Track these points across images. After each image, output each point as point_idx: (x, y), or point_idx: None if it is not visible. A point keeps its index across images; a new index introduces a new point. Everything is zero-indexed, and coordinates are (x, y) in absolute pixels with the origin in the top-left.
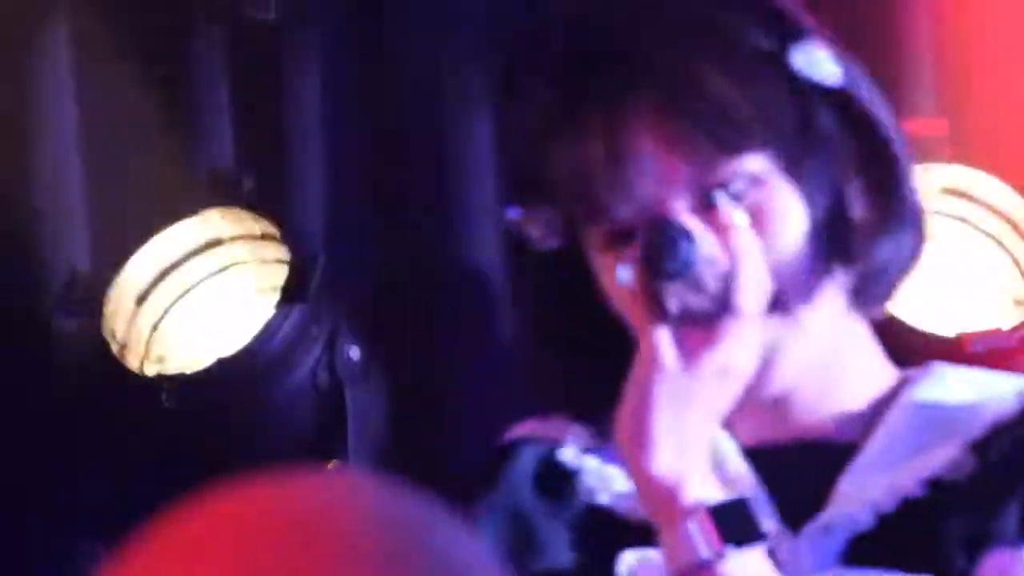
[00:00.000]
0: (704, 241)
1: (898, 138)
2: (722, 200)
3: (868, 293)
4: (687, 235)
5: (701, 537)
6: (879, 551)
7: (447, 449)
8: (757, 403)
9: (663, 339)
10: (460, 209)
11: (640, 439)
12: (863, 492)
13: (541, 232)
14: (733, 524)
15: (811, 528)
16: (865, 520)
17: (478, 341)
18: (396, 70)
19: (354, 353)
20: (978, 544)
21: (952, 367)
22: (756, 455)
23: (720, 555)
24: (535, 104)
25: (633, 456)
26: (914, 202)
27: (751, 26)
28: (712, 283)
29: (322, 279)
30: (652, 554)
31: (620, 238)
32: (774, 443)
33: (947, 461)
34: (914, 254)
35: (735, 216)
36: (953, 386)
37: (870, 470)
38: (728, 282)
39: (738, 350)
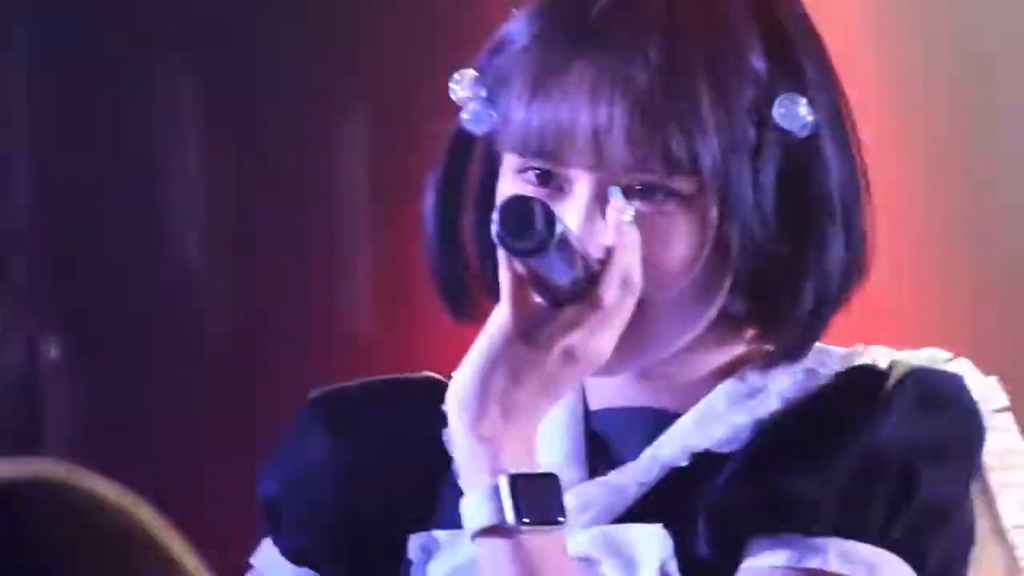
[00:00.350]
0: (592, 230)
1: (841, 197)
2: (616, 195)
3: (771, 337)
4: (547, 217)
5: (500, 503)
6: (647, 517)
7: (151, 447)
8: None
9: (515, 305)
10: (167, 209)
11: (467, 398)
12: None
13: (475, 114)
14: (535, 498)
15: (578, 490)
16: (629, 487)
17: (181, 341)
18: (106, 69)
19: (54, 351)
20: (739, 517)
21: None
22: (600, 418)
23: (515, 524)
24: (531, 41)
25: (455, 412)
26: (828, 270)
27: (761, 60)
28: (581, 270)
29: (21, 278)
30: (438, 534)
31: (532, 171)
32: (621, 408)
33: (726, 434)
34: (821, 315)
35: (625, 212)
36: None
37: (671, 441)
38: (599, 272)
39: (590, 339)
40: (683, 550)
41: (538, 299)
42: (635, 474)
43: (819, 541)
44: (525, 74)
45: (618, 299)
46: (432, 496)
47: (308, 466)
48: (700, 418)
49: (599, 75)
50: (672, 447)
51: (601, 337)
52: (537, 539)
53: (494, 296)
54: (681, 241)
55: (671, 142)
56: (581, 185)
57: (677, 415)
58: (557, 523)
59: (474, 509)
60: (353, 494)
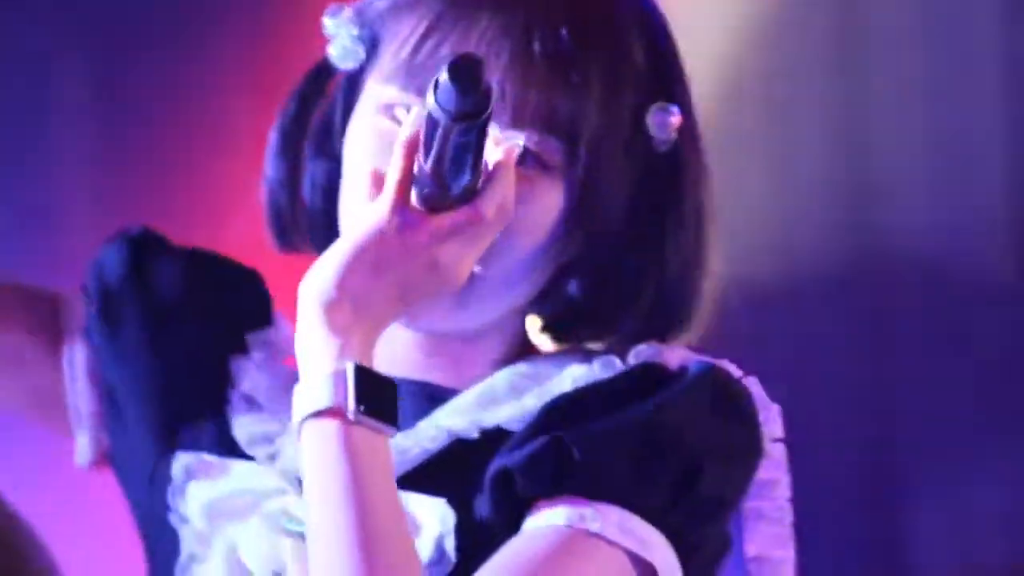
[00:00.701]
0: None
1: (690, 216)
2: (494, 128)
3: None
4: (488, 87)
5: (344, 388)
6: (428, 483)
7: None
8: (405, 338)
9: (397, 201)
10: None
11: (325, 285)
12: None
13: (343, 49)
14: (375, 395)
15: None
16: (411, 450)
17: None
18: None
19: None
20: (524, 480)
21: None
22: None
23: (354, 409)
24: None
25: (309, 298)
26: (669, 280)
27: (643, 67)
28: (475, 180)
29: None
30: (208, 458)
31: (401, 107)
32: (399, 379)
33: (515, 413)
34: (655, 318)
35: (512, 140)
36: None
37: (457, 414)
38: (480, 189)
39: (457, 255)
40: (465, 521)
41: (416, 204)
42: (419, 440)
43: (601, 506)
44: (424, 13)
45: (494, 218)
46: (217, 403)
47: (141, 281)
48: (483, 397)
49: (502, 31)
50: (460, 420)
51: (466, 257)
52: (368, 436)
53: (318, 235)
54: (535, 206)
55: (557, 107)
56: None
57: (454, 392)
58: (391, 425)
59: (314, 392)
60: (170, 344)
